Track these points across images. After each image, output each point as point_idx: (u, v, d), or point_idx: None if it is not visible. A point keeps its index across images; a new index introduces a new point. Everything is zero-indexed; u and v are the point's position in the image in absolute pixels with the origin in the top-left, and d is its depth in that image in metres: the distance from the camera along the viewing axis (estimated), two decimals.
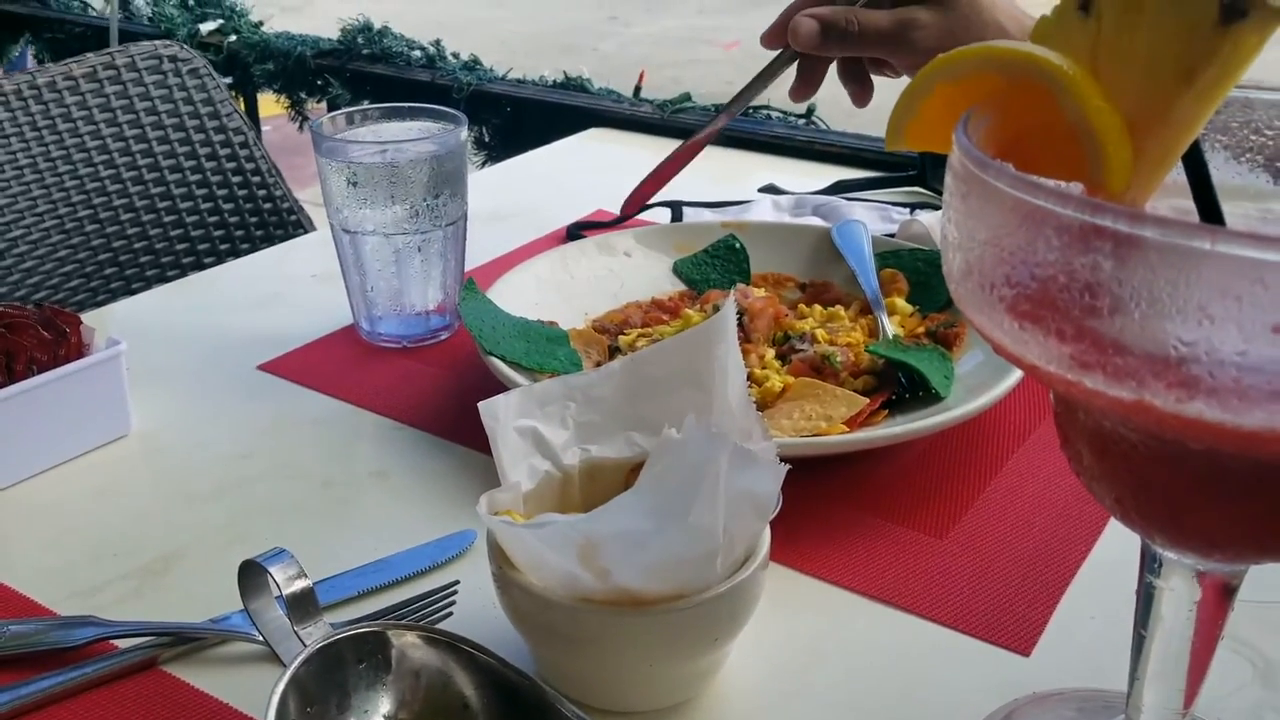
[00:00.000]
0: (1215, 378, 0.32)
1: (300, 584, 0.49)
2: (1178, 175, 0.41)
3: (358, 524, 0.68)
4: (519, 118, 1.62)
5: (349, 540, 0.66)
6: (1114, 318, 0.34)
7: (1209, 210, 0.42)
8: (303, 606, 0.49)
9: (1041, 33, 0.44)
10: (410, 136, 0.86)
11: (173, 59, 1.58)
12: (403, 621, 0.52)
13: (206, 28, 2.04)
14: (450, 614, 0.59)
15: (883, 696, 0.55)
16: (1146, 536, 0.40)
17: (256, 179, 1.61)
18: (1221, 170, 0.47)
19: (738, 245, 0.96)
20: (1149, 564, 0.43)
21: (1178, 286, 0.32)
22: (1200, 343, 0.32)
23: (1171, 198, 0.43)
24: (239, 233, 1.59)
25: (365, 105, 0.91)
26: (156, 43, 1.53)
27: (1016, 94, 0.43)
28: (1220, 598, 0.42)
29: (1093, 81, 0.42)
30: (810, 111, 1.43)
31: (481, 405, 0.56)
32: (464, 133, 0.86)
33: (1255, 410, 0.31)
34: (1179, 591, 0.42)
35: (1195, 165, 0.43)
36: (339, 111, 0.89)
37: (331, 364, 0.87)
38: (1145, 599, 0.43)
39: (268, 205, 1.61)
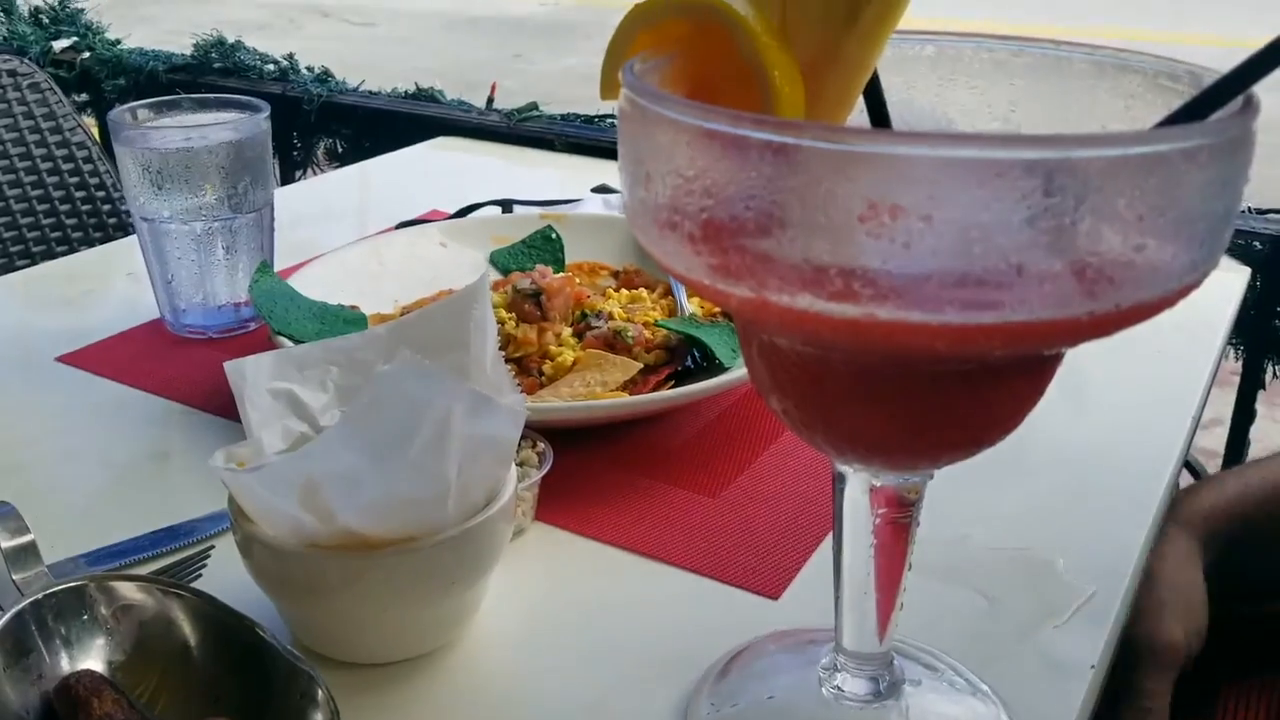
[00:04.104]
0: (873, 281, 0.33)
1: (22, 539, 0.49)
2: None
3: (130, 502, 0.68)
4: (371, 128, 1.62)
5: (118, 518, 0.65)
6: (762, 231, 0.36)
7: None
8: (22, 560, 0.48)
9: None
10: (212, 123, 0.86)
11: (12, 74, 1.56)
12: (122, 573, 0.52)
13: (60, 45, 2.01)
14: (199, 576, 0.58)
15: (635, 640, 0.56)
16: (812, 444, 0.42)
17: (101, 193, 1.58)
18: (908, 114, 0.49)
19: (554, 236, 0.98)
20: (835, 483, 0.45)
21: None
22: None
23: None
24: (82, 247, 1.56)
25: (170, 97, 0.90)
26: None
27: (701, 37, 0.45)
28: (896, 509, 0.44)
29: (767, 22, 0.44)
30: None
31: (228, 365, 0.56)
32: (265, 121, 0.86)
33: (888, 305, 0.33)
34: (858, 505, 0.44)
35: (872, 101, 0.46)
36: (140, 102, 0.88)
37: (132, 355, 0.86)
38: (837, 520, 0.45)
39: (113, 220, 1.59)
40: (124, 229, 1.54)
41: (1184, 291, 0.34)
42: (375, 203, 1.25)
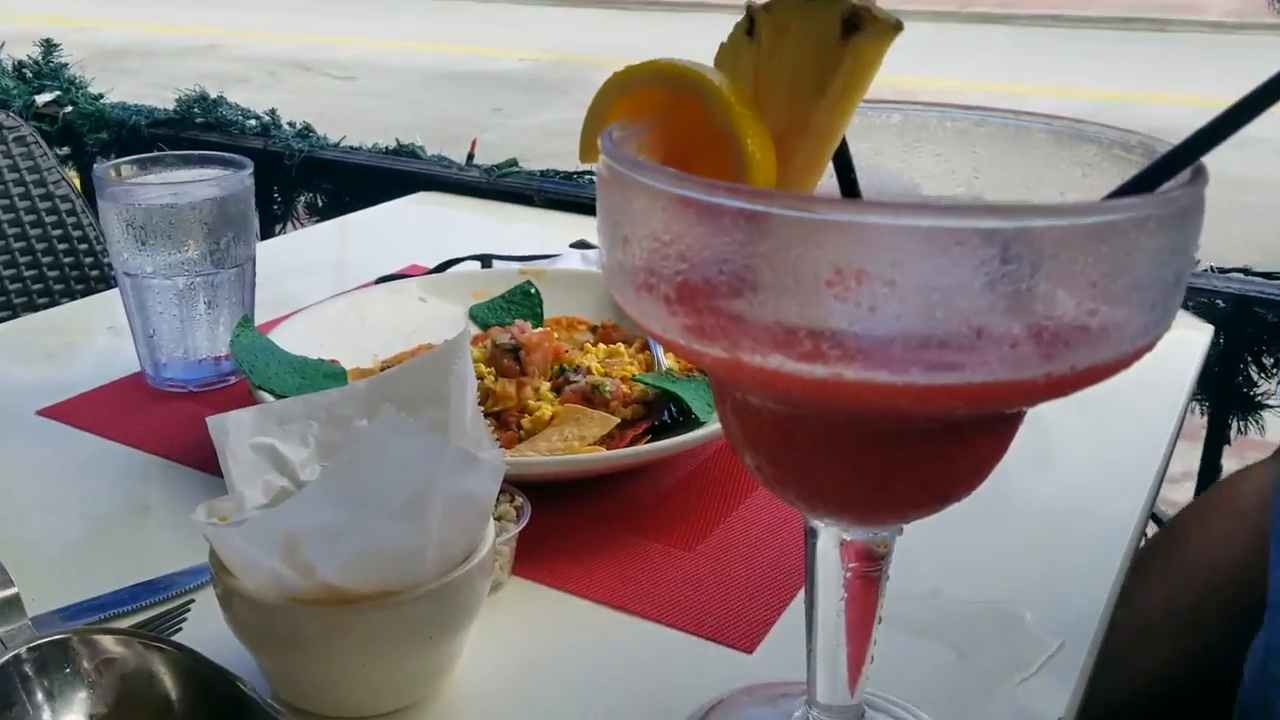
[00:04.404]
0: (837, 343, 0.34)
1: (6, 592, 0.49)
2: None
3: (110, 555, 0.68)
4: (352, 183, 1.64)
5: (97, 571, 0.66)
6: (735, 293, 0.37)
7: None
8: (6, 613, 0.49)
9: (720, 58, 0.48)
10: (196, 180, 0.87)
11: None
12: (104, 626, 0.52)
13: (43, 99, 2.03)
14: (179, 629, 0.59)
15: (611, 693, 0.57)
16: (785, 499, 0.43)
17: (84, 246, 1.59)
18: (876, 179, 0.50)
19: (533, 291, 0.99)
20: (807, 538, 0.46)
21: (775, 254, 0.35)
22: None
23: None
24: (64, 300, 1.57)
25: (154, 154, 0.91)
26: None
27: (677, 105, 0.47)
28: (866, 563, 0.45)
29: (740, 92, 0.45)
30: None
31: (210, 420, 0.57)
32: (248, 178, 0.88)
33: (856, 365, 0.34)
34: (829, 558, 0.45)
35: (841, 168, 0.48)
36: (125, 159, 0.90)
37: (113, 408, 0.87)
38: (809, 574, 0.46)
39: (95, 273, 1.60)
40: (106, 281, 1.55)
41: (1138, 354, 0.36)
42: (355, 257, 1.26)
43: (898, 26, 0.42)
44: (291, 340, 0.85)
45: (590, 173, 1.51)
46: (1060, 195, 0.44)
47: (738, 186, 0.36)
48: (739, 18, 0.47)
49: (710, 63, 0.47)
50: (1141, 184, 0.37)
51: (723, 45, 0.48)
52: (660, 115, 0.48)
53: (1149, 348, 0.36)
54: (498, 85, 8.25)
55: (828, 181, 0.47)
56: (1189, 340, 1.01)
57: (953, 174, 0.49)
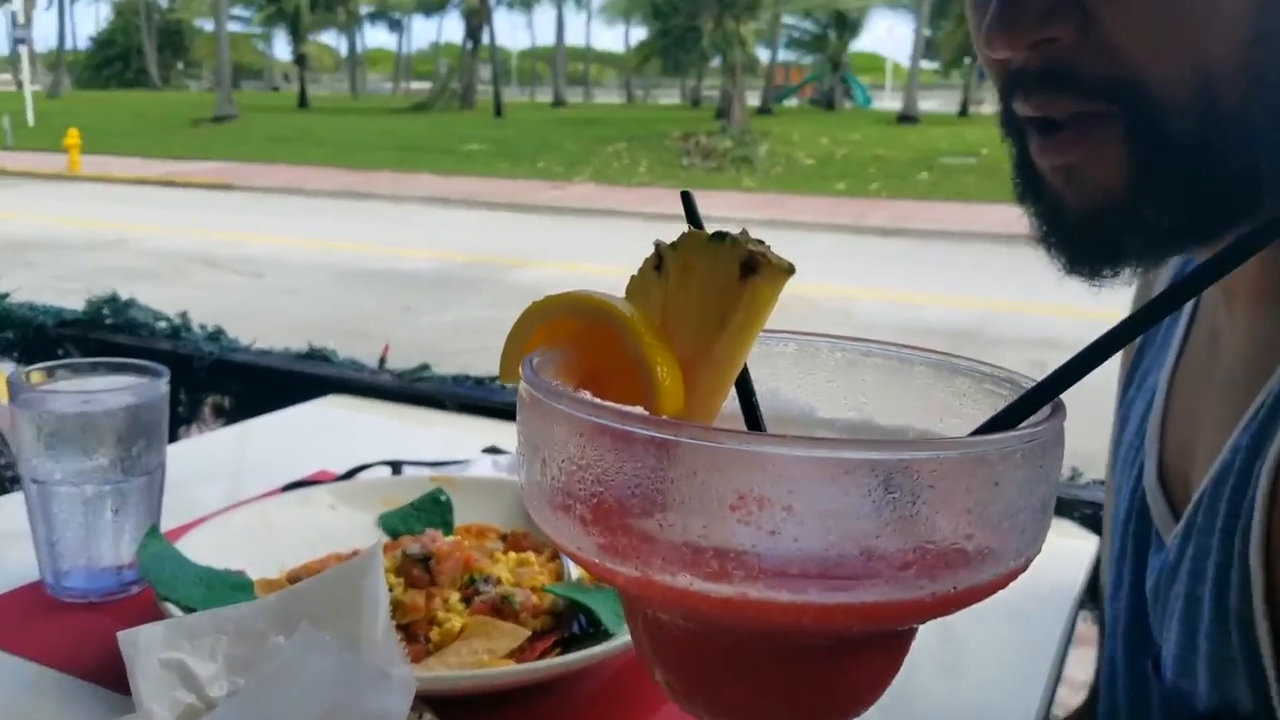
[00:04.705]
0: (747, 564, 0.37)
1: None
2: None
3: None
4: (262, 385, 1.65)
5: None
6: (646, 514, 0.40)
7: (755, 427, 0.50)
8: None
9: (631, 290, 0.52)
10: (111, 388, 0.88)
11: None
12: None
13: None
14: None
15: None
16: (693, 714, 0.45)
17: None
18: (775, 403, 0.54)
19: (444, 498, 1.01)
20: None
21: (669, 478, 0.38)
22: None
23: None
24: None
25: (69, 360, 0.92)
26: None
27: (592, 334, 0.51)
28: None
29: (650, 323, 0.49)
30: None
31: (121, 635, 0.57)
32: (164, 386, 0.89)
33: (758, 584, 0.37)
34: None
35: (743, 393, 0.51)
36: (40, 365, 0.90)
37: (8, 619, 0.85)
38: None
39: None
40: (3, 486, 1.51)
41: (1013, 575, 0.39)
42: (263, 462, 1.26)
43: (790, 270, 0.47)
44: (198, 550, 0.85)
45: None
46: (940, 421, 0.48)
47: (649, 416, 0.39)
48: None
49: (622, 293, 0.51)
50: (1008, 416, 0.41)
51: (633, 278, 0.52)
52: (577, 342, 0.52)
53: (1023, 568, 0.39)
54: (408, 283, 8.38)
55: (732, 404, 0.51)
56: (1075, 550, 1.06)
57: (844, 398, 0.53)
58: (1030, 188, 0.66)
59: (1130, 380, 0.85)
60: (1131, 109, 0.59)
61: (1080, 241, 0.65)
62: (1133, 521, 0.78)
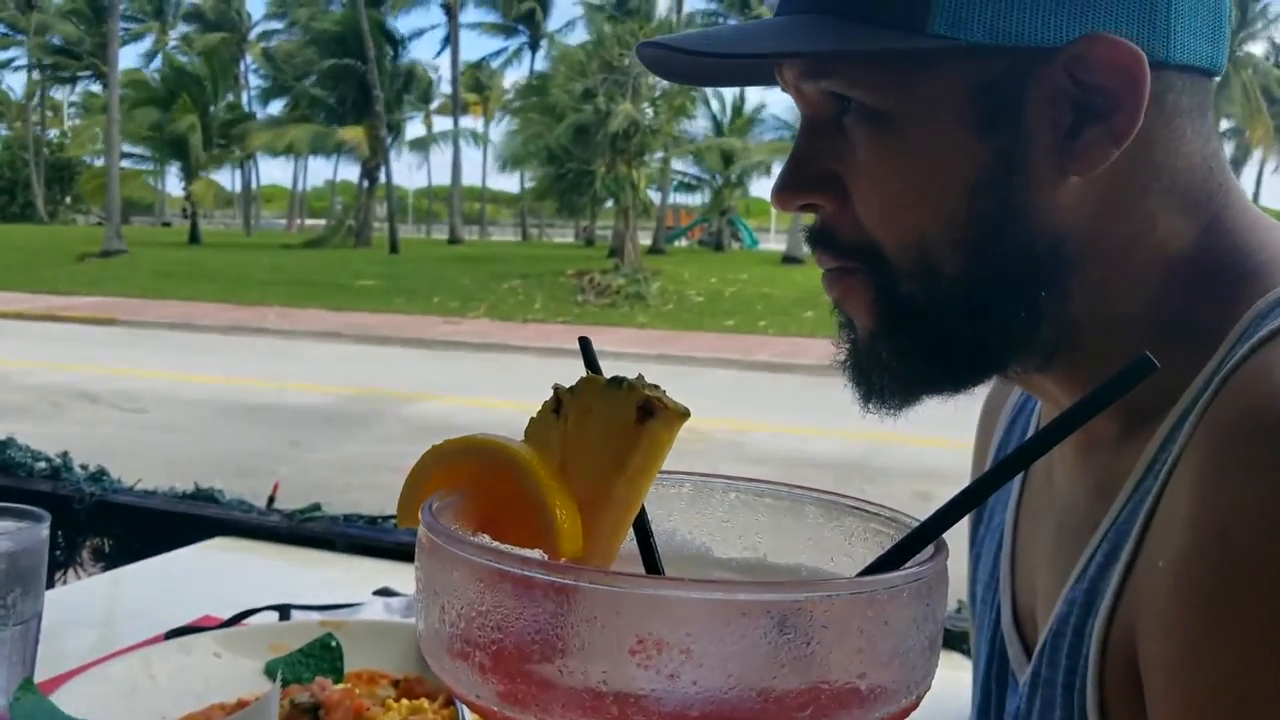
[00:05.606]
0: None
1: None
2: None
3: None
4: (145, 527, 1.60)
5: None
6: (546, 659, 0.40)
7: (652, 568, 0.51)
8: None
9: (530, 431, 0.53)
10: None
11: None
12: None
13: None
14: None
15: None
16: None
17: None
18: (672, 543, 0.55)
19: (334, 644, 0.98)
20: None
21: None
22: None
23: None
24: None
25: None
26: None
27: (490, 476, 0.51)
28: None
29: (547, 465, 0.50)
30: None
31: None
32: (44, 531, 0.86)
33: None
34: None
35: (641, 534, 0.52)
36: None
37: None
38: None
39: None
40: None
41: (906, 711, 0.40)
42: (144, 609, 1.21)
43: (685, 414, 0.48)
44: (74, 703, 0.81)
45: (393, 516, 1.52)
46: (830, 561, 0.50)
47: (549, 562, 0.40)
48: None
49: (518, 433, 0.52)
50: (894, 556, 0.43)
51: (532, 420, 0.53)
52: (475, 484, 0.52)
53: (914, 706, 0.41)
54: (296, 419, 8.23)
55: (630, 545, 0.51)
56: (964, 683, 1.07)
57: (739, 538, 0.55)
58: (841, 325, 0.73)
59: (980, 518, 0.87)
60: (874, 269, 0.67)
61: (849, 373, 0.72)
62: (994, 664, 0.79)
